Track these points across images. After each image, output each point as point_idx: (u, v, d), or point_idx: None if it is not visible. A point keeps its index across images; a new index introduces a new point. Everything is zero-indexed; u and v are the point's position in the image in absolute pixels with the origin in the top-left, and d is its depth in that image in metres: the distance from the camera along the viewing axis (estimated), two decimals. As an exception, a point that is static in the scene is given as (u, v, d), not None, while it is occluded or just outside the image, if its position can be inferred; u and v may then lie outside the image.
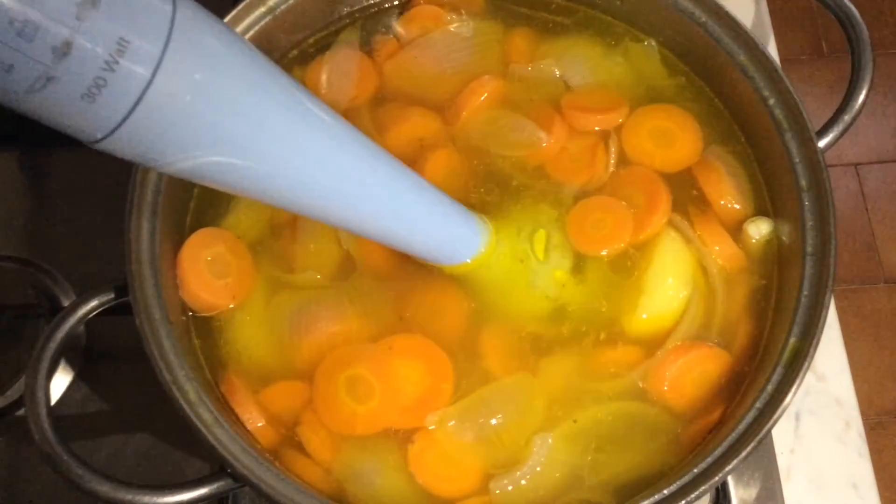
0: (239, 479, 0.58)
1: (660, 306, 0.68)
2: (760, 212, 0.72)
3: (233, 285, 0.68)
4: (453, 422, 0.64)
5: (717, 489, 0.72)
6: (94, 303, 0.63)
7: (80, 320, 0.62)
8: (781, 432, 0.76)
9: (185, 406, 0.59)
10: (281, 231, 0.71)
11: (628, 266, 0.69)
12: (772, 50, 0.88)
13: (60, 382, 0.77)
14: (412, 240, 0.62)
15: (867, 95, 0.69)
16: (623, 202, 0.71)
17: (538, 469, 0.63)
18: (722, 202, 0.71)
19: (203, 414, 0.60)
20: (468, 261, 0.66)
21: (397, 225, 0.60)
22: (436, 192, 0.62)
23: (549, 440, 0.64)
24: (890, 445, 1.73)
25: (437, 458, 0.64)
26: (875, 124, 2.01)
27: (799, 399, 0.77)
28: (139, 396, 0.67)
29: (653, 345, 0.67)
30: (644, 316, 0.68)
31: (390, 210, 0.58)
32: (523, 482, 0.63)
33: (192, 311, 0.68)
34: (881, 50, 2.09)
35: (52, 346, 0.60)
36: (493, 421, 0.64)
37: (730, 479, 0.73)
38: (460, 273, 0.67)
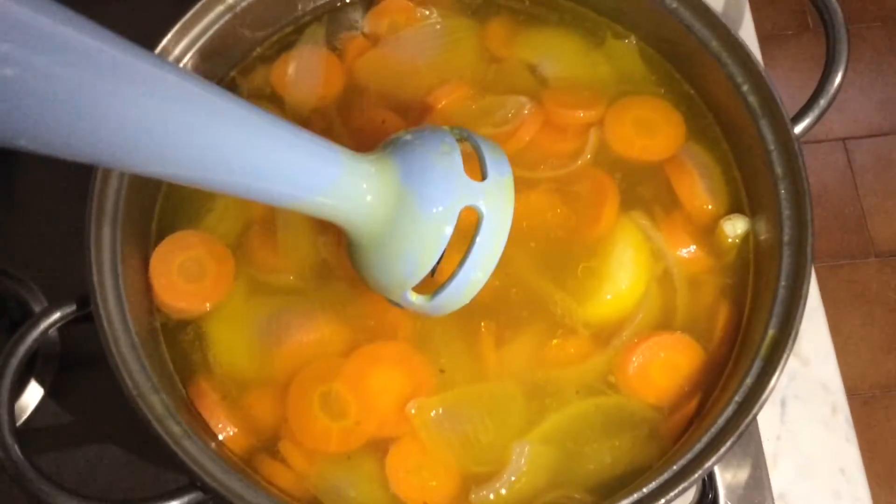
0: (208, 491, 0.57)
1: (615, 298, 0.68)
2: (736, 210, 0.71)
3: (207, 289, 0.67)
4: (435, 411, 0.64)
5: (704, 480, 0.72)
6: (56, 315, 0.62)
7: (42, 333, 0.61)
8: (767, 419, 0.76)
9: (150, 418, 0.58)
10: (259, 232, 0.70)
11: (583, 257, 0.69)
12: (749, 32, 0.87)
13: (33, 394, 0.75)
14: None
15: (843, 79, 0.67)
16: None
17: (516, 476, 0.63)
18: (694, 202, 0.70)
19: (170, 426, 0.59)
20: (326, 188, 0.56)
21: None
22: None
23: (527, 447, 0.63)
24: (882, 419, 1.74)
25: (415, 466, 0.63)
26: (862, 98, 2.00)
27: (784, 385, 0.76)
28: (114, 407, 0.66)
29: (611, 336, 0.67)
30: (603, 301, 0.68)
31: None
32: (502, 491, 0.62)
33: (165, 315, 0.67)
34: (865, 23, 2.08)
35: (14, 361, 0.59)
36: (474, 420, 0.64)
37: (717, 469, 0.72)
38: None
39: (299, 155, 0.53)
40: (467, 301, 0.59)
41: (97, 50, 0.41)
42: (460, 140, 0.59)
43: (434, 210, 0.55)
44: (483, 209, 0.55)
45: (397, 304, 0.60)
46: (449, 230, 0.55)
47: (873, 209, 1.89)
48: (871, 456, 1.68)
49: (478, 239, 0.56)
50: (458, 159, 0.56)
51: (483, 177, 0.56)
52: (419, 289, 0.58)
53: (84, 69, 0.40)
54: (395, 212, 0.55)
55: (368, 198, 0.55)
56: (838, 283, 1.82)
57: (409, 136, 0.58)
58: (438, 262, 0.57)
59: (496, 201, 0.56)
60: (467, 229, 0.56)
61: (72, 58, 0.39)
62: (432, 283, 0.58)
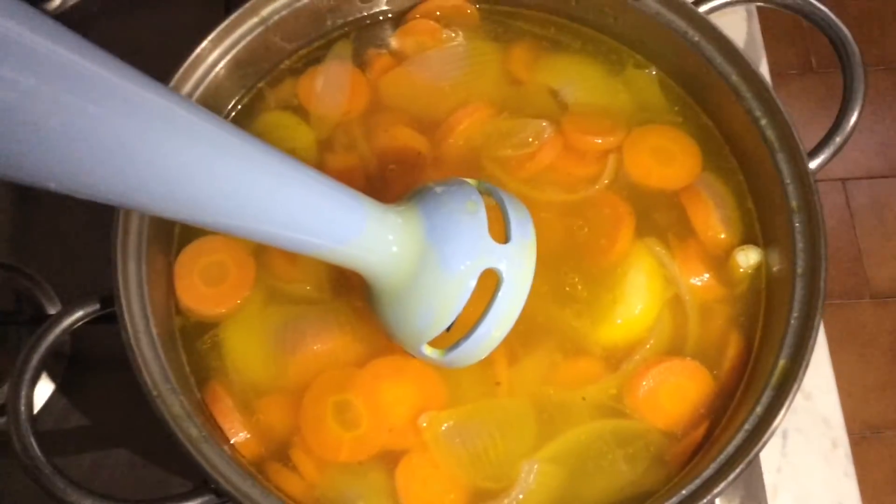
0: (223, 494, 0.58)
1: (627, 322, 0.68)
2: (750, 240, 0.72)
3: (226, 293, 0.68)
4: (446, 425, 0.64)
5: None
6: (79, 313, 0.62)
7: (64, 331, 0.62)
8: (768, 451, 0.76)
9: (168, 419, 0.58)
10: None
11: (597, 281, 0.70)
12: (764, 69, 0.88)
13: (43, 392, 0.76)
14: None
15: (859, 117, 0.69)
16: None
17: (524, 495, 0.63)
18: (708, 232, 0.71)
19: (188, 428, 0.59)
20: (351, 240, 0.56)
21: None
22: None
23: (536, 465, 0.64)
24: (873, 460, 1.73)
25: (424, 479, 0.63)
26: (863, 140, 2.02)
27: (786, 418, 0.76)
28: (122, 408, 0.66)
29: (621, 360, 0.68)
30: (615, 324, 0.68)
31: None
32: (510, 510, 0.63)
33: (184, 318, 0.68)
34: (869, 67, 2.10)
35: (36, 356, 0.60)
36: (484, 436, 0.64)
37: (717, 499, 0.72)
38: None
39: (330, 204, 0.53)
40: (482, 358, 0.59)
41: (107, 80, 0.40)
42: (484, 193, 0.59)
43: (455, 269, 0.55)
44: (504, 272, 0.56)
45: (414, 356, 0.61)
46: (468, 290, 0.55)
47: (870, 250, 1.90)
48: (863, 498, 1.67)
49: (496, 300, 0.56)
50: (483, 219, 0.56)
51: (507, 238, 0.57)
52: (435, 342, 0.58)
53: (99, 104, 0.39)
54: (416, 266, 0.56)
55: (394, 248, 0.55)
56: (833, 323, 1.82)
57: (436, 190, 0.58)
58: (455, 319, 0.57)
59: (518, 265, 0.56)
60: (486, 284, 0.56)
61: (77, 87, 0.38)
62: (448, 337, 0.58)
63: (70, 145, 0.38)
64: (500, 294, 0.56)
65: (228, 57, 0.71)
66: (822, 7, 0.72)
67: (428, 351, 0.59)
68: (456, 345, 0.57)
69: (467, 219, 0.56)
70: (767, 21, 0.93)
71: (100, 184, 0.41)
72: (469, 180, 0.60)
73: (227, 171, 0.46)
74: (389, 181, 0.73)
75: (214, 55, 0.70)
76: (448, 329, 0.57)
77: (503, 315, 0.57)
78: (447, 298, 0.55)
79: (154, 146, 0.42)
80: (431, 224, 0.56)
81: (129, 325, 0.60)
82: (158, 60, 0.43)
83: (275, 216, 0.50)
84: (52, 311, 0.78)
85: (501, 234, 0.57)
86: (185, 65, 0.68)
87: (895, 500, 1.71)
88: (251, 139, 0.49)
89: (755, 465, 0.75)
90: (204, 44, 0.68)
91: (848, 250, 1.90)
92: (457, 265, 0.55)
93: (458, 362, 0.60)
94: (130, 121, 0.41)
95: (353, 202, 0.54)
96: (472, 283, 0.55)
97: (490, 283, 0.56)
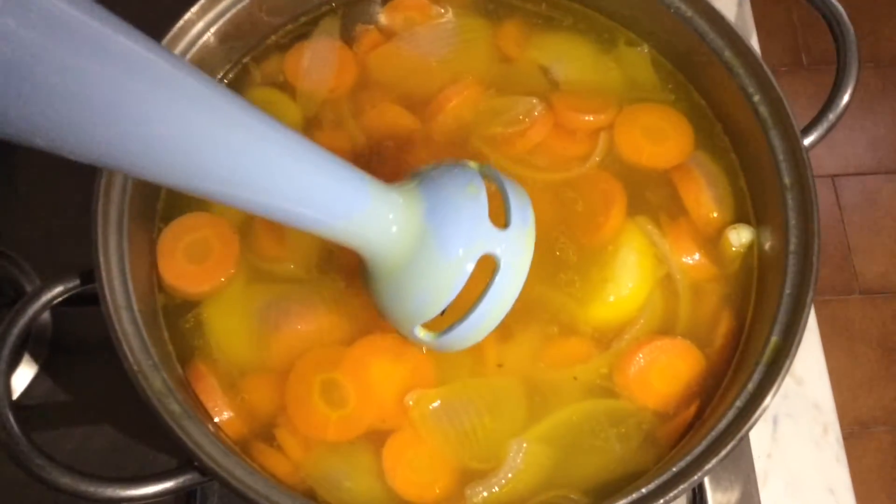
0: (207, 472, 0.57)
1: (618, 301, 0.68)
2: (742, 219, 0.71)
3: (210, 270, 0.67)
4: (434, 404, 0.63)
5: (694, 494, 0.72)
6: (58, 289, 0.61)
7: (43, 306, 0.60)
8: (759, 436, 0.76)
9: (150, 395, 0.57)
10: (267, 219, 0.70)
11: (587, 260, 0.69)
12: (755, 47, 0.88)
13: (25, 374, 0.74)
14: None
15: (852, 95, 0.68)
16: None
17: (513, 474, 0.62)
18: (700, 211, 0.71)
19: (170, 404, 0.58)
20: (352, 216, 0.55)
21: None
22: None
23: (524, 444, 0.63)
24: (861, 455, 1.74)
25: (412, 458, 0.63)
26: (852, 136, 2.03)
27: (777, 403, 0.76)
28: (105, 388, 0.65)
29: (612, 339, 0.67)
30: (606, 303, 0.68)
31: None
32: (496, 489, 0.62)
33: (166, 296, 0.67)
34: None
35: (14, 331, 0.58)
36: (472, 415, 0.64)
37: (707, 484, 0.72)
38: None
39: (333, 180, 0.53)
40: (475, 342, 0.59)
41: (110, 39, 0.39)
42: (485, 177, 0.58)
43: (454, 253, 0.54)
44: (502, 258, 0.55)
45: (406, 337, 0.60)
46: (466, 274, 0.54)
47: (859, 246, 1.91)
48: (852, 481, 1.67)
49: (493, 286, 0.55)
50: (483, 203, 0.55)
51: (507, 223, 0.56)
52: (429, 325, 0.58)
53: (102, 62, 0.39)
54: (414, 247, 0.55)
55: (394, 228, 0.55)
56: (822, 319, 1.82)
57: (437, 172, 0.58)
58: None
59: (516, 251, 0.56)
60: (482, 266, 0.55)
61: (82, 46, 0.38)
62: (441, 320, 0.57)
63: (70, 102, 0.38)
64: (496, 279, 0.55)
65: (213, 29, 0.70)
66: (816, -16, 0.72)
67: (421, 333, 0.58)
68: (450, 328, 0.57)
69: (468, 202, 0.55)
70: (759, 16, 0.93)
71: (95, 143, 0.41)
72: (471, 163, 0.59)
73: (235, 142, 0.46)
74: (378, 159, 0.72)
75: (199, 26, 0.69)
76: (442, 313, 0.56)
77: (499, 301, 0.56)
78: (444, 281, 0.55)
79: (160, 111, 0.42)
80: (431, 206, 0.55)
81: (109, 301, 0.59)
82: (142, 31, 0.43)
83: (282, 189, 0.50)
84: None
85: (501, 218, 0.56)
86: (170, 35, 0.67)
87: (883, 495, 1.72)
88: (256, 110, 0.48)
89: (746, 450, 0.74)
90: (188, 14, 0.67)
91: (837, 246, 1.91)
92: (455, 248, 0.54)
93: (451, 346, 0.59)
94: (136, 83, 0.40)
95: (355, 178, 0.54)
96: (470, 268, 0.54)
97: (486, 265, 0.55)
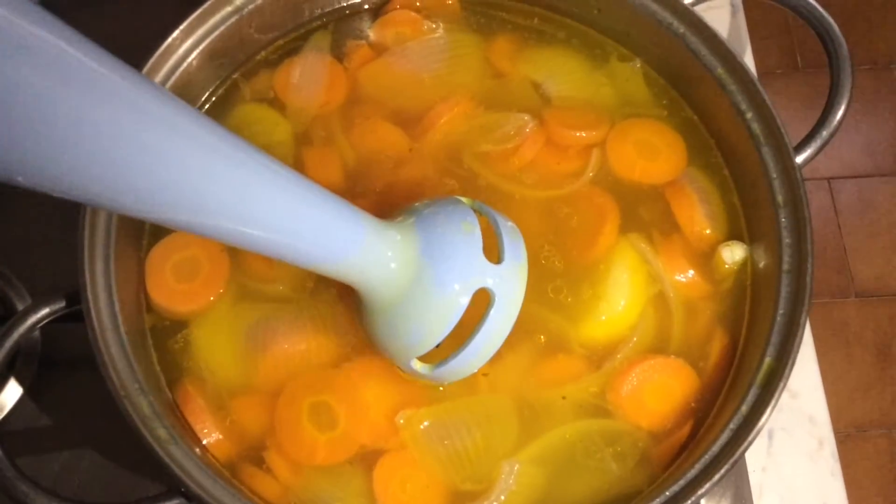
0: (192, 498, 0.56)
1: (610, 319, 0.68)
2: (735, 236, 0.71)
3: (198, 290, 0.67)
4: (425, 424, 0.63)
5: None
6: (44, 311, 0.60)
7: (28, 330, 0.60)
8: (754, 450, 0.75)
9: (136, 420, 0.57)
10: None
11: (579, 277, 0.69)
12: (749, 63, 0.87)
13: (12, 395, 0.74)
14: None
15: (846, 111, 0.68)
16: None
17: (505, 496, 0.62)
18: (693, 228, 0.70)
19: (156, 429, 0.57)
20: (349, 256, 0.56)
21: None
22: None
23: (517, 465, 0.62)
24: (857, 458, 1.74)
25: (404, 480, 0.62)
26: (848, 139, 2.02)
27: (772, 417, 0.75)
28: (94, 411, 0.64)
29: (604, 358, 0.67)
30: (598, 321, 0.67)
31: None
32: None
33: (155, 316, 0.66)
34: (855, 66, 2.10)
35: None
36: (464, 435, 0.63)
37: (702, 499, 0.71)
38: None
39: (332, 219, 0.54)
40: (471, 373, 0.61)
41: (81, 62, 0.38)
42: (478, 212, 0.60)
43: (449, 288, 0.56)
44: (496, 292, 0.57)
45: (401, 369, 0.61)
46: (461, 309, 0.56)
47: (855, 249, 1.90)
48: (849, 497, 1.67)
49: (487, 319, 0.57)
50: (478, 239, 0.57)
51: (500, 258, 0.58)
52: (425, 357, 0.59)
53: (75, 87, 0.38)
54: (410, 283, 0.56)
55: (393, 265, 0.56)
56: (818, 322, 1.82)
57: (431, 209, 0.59)
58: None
59: (510, 286, 0.58)
60: (476, 299, 0.57)
61: (50, 68, 0.37)
62: (437, 352, 0.58)
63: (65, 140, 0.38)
64: (491, 313, 0.57)
65: (201, 47, 0.69)
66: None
67: (417, 366, 0.59)
68: (445, 361, 0.58)
69: (463, 239, 0.57)
70: (753, 20, 0.93)
71: (86, 182, 0.41)
72: (464, 199, 0.61)
73: (231, 181, 0.46)
74: (368, 177, 0.71)
75: (186, 45, 0.68)
76: (437, 345, 0.58)
77: (494, 333, 0.58)
78: (439, 315, 0.56)
79: (160, 154, 0.42)
80: (427, 242, 0.57)
81: (95, 323, 0.59)
82: (129, 52, 0.42)
83: (279, 226, 0.51)
84: (22, 307, 0.75)
85: (494, 252, 0.58)
86: (156, 56, 0.66)
87: (879, 499, 1.71)
88: (253, 149, 0.49)
89: (741, 464, 0.74)
90: (175, 34, 0.67)
91: (833, 249, 1.90)
92: (451, 284, 0.56)
93: (447, 378, 0.61)
94: (138, 125, 0.40)
95: (355, 216, 0.55)
96: (465, 302, 0.56)
97: (480, 298, 0.56)
